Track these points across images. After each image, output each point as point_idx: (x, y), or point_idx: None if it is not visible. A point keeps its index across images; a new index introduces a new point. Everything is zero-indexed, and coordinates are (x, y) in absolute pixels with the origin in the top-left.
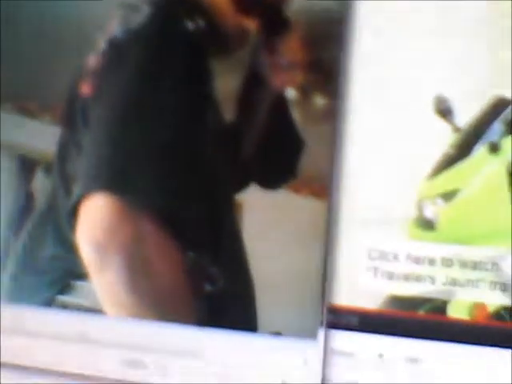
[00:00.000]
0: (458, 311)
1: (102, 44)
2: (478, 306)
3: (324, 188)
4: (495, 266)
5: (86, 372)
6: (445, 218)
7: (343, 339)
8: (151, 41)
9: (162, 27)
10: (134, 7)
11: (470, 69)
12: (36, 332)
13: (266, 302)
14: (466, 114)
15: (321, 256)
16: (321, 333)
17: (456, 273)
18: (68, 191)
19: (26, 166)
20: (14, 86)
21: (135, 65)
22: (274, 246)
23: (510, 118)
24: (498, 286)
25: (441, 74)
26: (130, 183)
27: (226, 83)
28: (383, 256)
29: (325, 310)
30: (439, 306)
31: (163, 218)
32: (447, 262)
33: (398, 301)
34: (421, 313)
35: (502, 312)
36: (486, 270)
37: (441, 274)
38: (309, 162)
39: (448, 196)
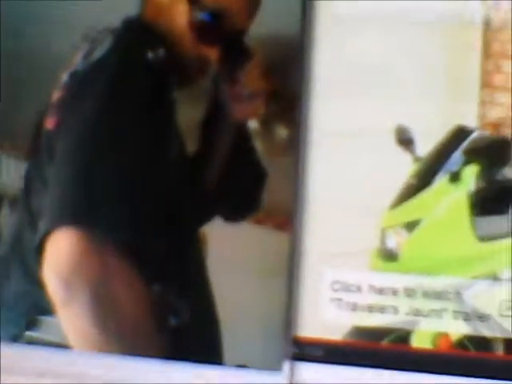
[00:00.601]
0: (421, 341)
1: (64, 77)
2: (442, 336)
3: (287, 220)
4: (458, 295)
5: None
6: (407, 248)
7: (308, 371)
8: (112, 72)
9: (123, 58)
10: (97, 40)
11: (431, 99)
12: (4, 368)
13: (230, 335)
14: (427, 144)
15: (285, 288)
16: (286, 365)
17: (419, 303)
18: (34, 226)
19: None
20: None
21: (96, 97)
22: (239, 278)
23: (470, 147)
24: (460, 316)
25: (401, 105)
26: (95, 218)
27: (188, 114)
28: (346, 288)
29: (290, 343)
30: (403, 336)
31: (128, 252)
32: (410, 293)
33: (362, 332)
34: (385, 343)
35: (465, 341)
36: (449, 299)
37: (404, 304)
38: (272, 194)
39: (410, 226)
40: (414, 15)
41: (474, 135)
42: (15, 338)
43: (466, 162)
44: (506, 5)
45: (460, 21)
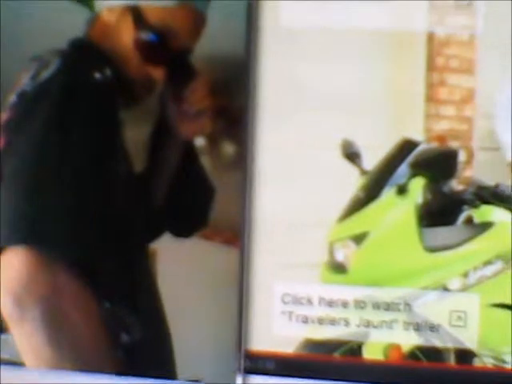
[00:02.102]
0: (373, 353)
1: (12, 98)
2: (393, 347)
3: (236, 235)
4: (408, 306)
5: None
6: (356, 260)
7: None
8: (59, 93)
9: (70, 79)
10: (44, 61)
11: (376, 112)
12: None
13: (183, 350)
14: (374, 157)
15: (235, 302)
16: (238, 378)
17: (369, 314)
18: None
19: None
20: None
21: (44, 117)
22: (189, 293)
23: (416, 159)
24: (411, 327)
25: (347, 118)
26: (45, 236)
27: (135, 133)
28: (297, 300)
29: (242, 356)
30: (354, 348)
31: (78, 269)
32: (360, 304)
33: (313, 344)
34: (337, 355)
35: (417, 352)
36: (399, 310)
37: (354, 316)
38: (220, 209)
39: (358, 239)
40: (359, 28)
41: (420, 148)
42: None
43: (413, 175)
44: (449, 18)
45: (405, 34)
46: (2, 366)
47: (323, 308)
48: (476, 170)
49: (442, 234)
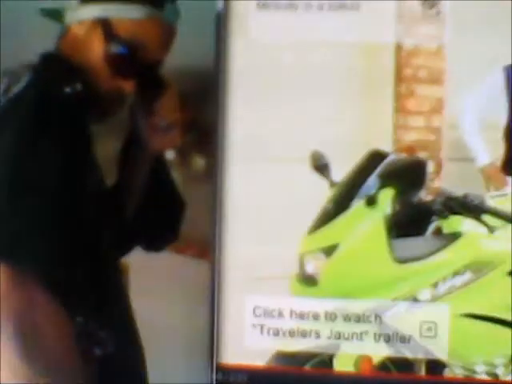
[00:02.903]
0: (344, 364)
1: None
2: (364, 359)
3: (207, 248)
4: (378, 318)
5: None
6: (326, 272)
7: None
8: (30, 107)
9: (41, 93)
10: (15, 74)
11: (345, 124)
12: None
13: (155, 363)
14: (343, 169)
15: (207, 315)
16: None
17: (340, 326)
18: None
19: None
20: None
21: (15, 131)
22: (161, 306)
23: (385, 170)
24: (381, 338)
25: (317, 130)
26: (17, 251)
27: (106, 146)
28: (268, 313)
29: (214, 369)
30: (325, 360)
31: (50, 284)
32: (331, 316)
33: (285, 357)
34: (308, 367)
35: (388, 363)
36: (370, 322)
37: (325, 328)
38: (191, 223)
39: (328, 250)
40: (328, 39)
41: (389, 159)
42: None
43: (382, 186)
44: (417, 29)
45: (372, 45)
46: None
47: (294, 320)
48: (444, 180)
49: (411, 244)
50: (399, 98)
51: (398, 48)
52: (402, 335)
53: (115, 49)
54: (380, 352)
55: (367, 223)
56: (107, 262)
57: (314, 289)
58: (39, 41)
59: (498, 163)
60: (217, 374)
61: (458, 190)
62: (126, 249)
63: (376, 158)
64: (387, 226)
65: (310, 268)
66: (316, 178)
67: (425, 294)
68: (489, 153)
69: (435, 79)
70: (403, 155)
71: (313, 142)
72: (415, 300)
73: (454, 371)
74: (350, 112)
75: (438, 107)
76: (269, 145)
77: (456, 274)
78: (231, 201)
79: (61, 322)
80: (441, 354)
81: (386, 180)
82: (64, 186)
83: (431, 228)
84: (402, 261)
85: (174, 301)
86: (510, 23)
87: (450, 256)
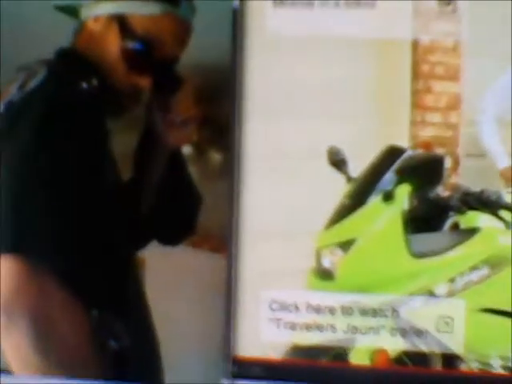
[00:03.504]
0: (359, 358)
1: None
2: (380, 352)
3: (223, 243)
4: (394, 312)
5: None
6: (343, 267)
7: None
8: (46, 102)
9: (57, 88)
10: (31, 70)
11: (362, 120)
12: None
13: (171, 356)
14: (360, 165)
15: (223, 309)
16: None
17: (356, 320)
18: None
19: None
20: None
21: (31, 127)
22: (177, 300)
23: (402, 166)
24: (398, 332)
25: (333, 126)
26: (34, 246)
27: (122, 142)
28: (284, 307)
29: (230, 362)
30: (341, 354)
31: (66, 278)
32: (347, 311)
33: (301, 350)
34: (324, 361)
35: (404, 357)
36: (386, 316)
37: (341, 322)
38: (207, 217)
39: (345, 245)
40: (344, 36)
41: (406, 155)
42: None
43: (399, 181)
44: (434, 26)
45: (389, 41)
46: None
47: (310, 314)
48: (462, 176)
49: (428, 240)
50: (416, 94)
51: (415, 44)
52: (418, 329)
53: (131, 45)
54: (396, 346)
55: (384, 218)
56: (123, 256)
57: (331, 283)
58: (55, 37)
59: None
60: (233, 366)
61: (475, 186)
62: (143, 243)
63: (393, 153)
64: (404, 222)
65: (326, 262)
66: (333, 173)
67: (441, 288)
68: (507, 155)
69: (452, 75)
70: (420, 151)
71: (330, 138)
72: (432, 295)
73: (470, 365)
74: (367, 108)
75: (454, 103)
76: (285, 140)
77: (473, 269)
78: (247, 195)
79: (76, 314)
80: (457, 348)
81: (403, 176)
82: (80, 180)
83: (448, 223)
84: (419, 256)
85: (190, 295)
86: None
87: (467, 251)
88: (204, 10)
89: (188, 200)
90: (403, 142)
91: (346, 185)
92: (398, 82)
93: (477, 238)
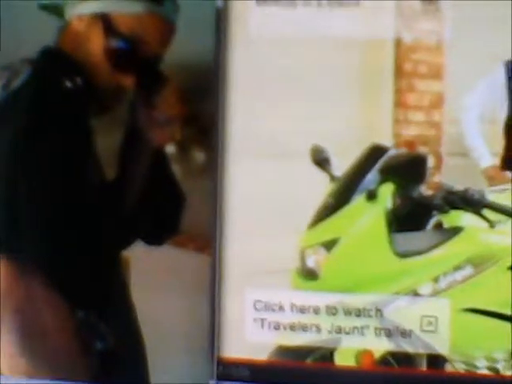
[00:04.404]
0: (345, 359)
1: None
2: (365, 353)
3: (208, 242)
4: (379, 312)
5: None
6: (327, 266)
7: None
8: (30, 101)
9: (41, 87)
10: (15, 69)
11: (345, 118)
12: None
13: (156, 357)
14: (343, 163)
15: (208, 309)
16: None
17: (341, 321)
18: None
19: None
20: None
21: (16, 126)
22: (162, 300)
23: (385, 165)
24: (382, 332)
25: (316, 124)
26: (19, 246)
27: (106, 140)
28: (269, 307)
29: (215, 363)
30: (326, 354)
31: (51, 278)
32: (332, 311)
33: (286, 351)
34: (309, 361)
35: (389, 358)
36: (370, 316)
37: (326, 322)
38: (191, 217)
39: (329, 245)
40: (327, 35)
41: (390, 153)
42: None
43: (382, 180)
44: (417, 25)
45: (372, 40)
46: None
47: (295, 314)
48: (445, 175)
49: (411, 239)
50: (399, 93)
51: (398, 43)
52: (402, 329)
53: (115, 44)
54: (381, 346)
55: (368, 218)
56: (108, 256)
57: (315, 283)
58: (39, 36)
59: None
60: (218, 367)
61: (458, 185)
62: (127, 242)
63: (376, 152)
64: (388, 221)
65: (310, 262)
66: (316, 172)
67: (425, 288)
68: (490, 154)
69: (435, 74)
70: (403, 150)
71: (313, 137)
72: (416, 294)
73: (455, 366)
74: (350, 107)
75: (437, 102)
76: (269, 139)
77: (457, 268)
78: (231, 195)
79: (62, 315)
80: (442, 349)
81: (387, 174)
82: (64, 179)
83: (432, 222)
84: (403, 255)
85: (174, 294)
86: (510, 19)
87: (451, 250)
88: (187, 9)
89: (171, 199)
90: (386, 140)
91: (330, 184)
92: (380, 80)
93: (460, 237)
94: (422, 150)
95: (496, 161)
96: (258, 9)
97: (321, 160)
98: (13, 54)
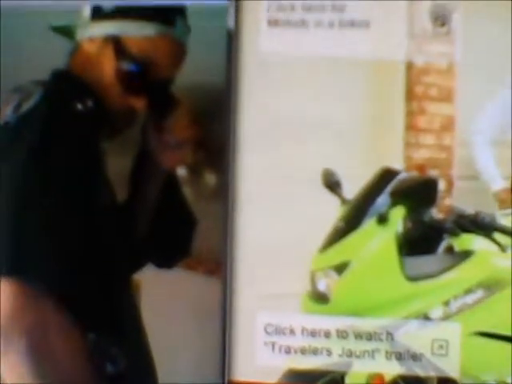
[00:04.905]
0: (355, 382)
1: None
2: (375, 376)
3: (219, 265)
4: (390, 335)
5: None
6: (338, 290)
7: None
8: (41, 124)
9: (52, 110)
10: (26, 92)
11: (356, 142)
12: None
13: (167, 380)
14: (354, 187)
15: (218, 332)
16: None
17: (352, 344)
18: None
19: None
20: None
21: (27, 148)
22: (173, 323)
23: (396, 188)
24: (393, 356)
25: (327, 148)
26: (30, 269)
27: (117, 163)
28: (279, 330)
29: None
30: (337, 378)
31: (63, 301)
32: (342, 334)
33: (296, 374)
34: None
35: (399, 381)
36: (381, 340)
37: (337, 346)
38: (202, 239)
39: (340, 268)
40: (339, 57)
41: (400, 177)
42: None
43: (393, 204)
44: (428, 47)
45: (383, 62)
46: None
47: (306, 338)
48: (456, 198)
49: (422, 262)
50: (410, 116)
51: (409, 66)
52: (413, 353)
53: (126, 66)
54: (392, 370)
55: (378, 241)
56: (119, 279)
57: (326, 306)
58: (50, 58)
59: (509, 184)
60: None
61: (469, 208)
62: (138, 265)
63: (387, 175)
64: (398, 244)
65: (321, 286)
66: (327, 195)
67: (436, 312)
68: (501, 177)
69: (446, 97)
70: (414, 173)
71: (324, 160)
72: (427, 318)
73: None
74: (361, 130)
75: (448, 125)
76: (280, 162)
77: (468, 292)
78: (242, 218)
79: (73, 338)
80: (452, 372)
81: (397, 198)
82: (75, 202)
83: (443, 246)
84: (414, 279)
85: (185, 317)
86: None
87: (462, 274)
88: (198, 31)
89: (183, 222)
90: (397, 164)
91: (341, 207)
92: (391, 103)
93: (471, 261)
94: (432, 173)
95: (507, 184)
96: (269, 30)
97: (332, 183)
98: (24, 76)
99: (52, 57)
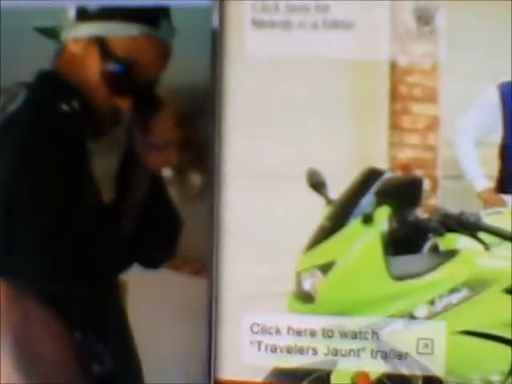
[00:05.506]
0: (341, 381)
1: None
2: (361, 375)
3: (204, 265)
4: (375, 334)
5: None
6: (323, 289)
7: None
8: (27, 125)
9: (37, 111)
10: (11, 93)
11: (340, 142)
12: None
13: (153, 379)
14: (339, 186)
15: (204, 332)
16: None
17: (337, 343)
18: None
19: None
20: None
21: (12, 150)
22: (159, 323)
23: (381, 188)
24: (378, 354)
25: (312, 148)
26: (16, 269)
27: (103, 164)
28: (265, 330)
29: None
30: (323, 377)
31: (49, 300)
32: (328, 333)
33: (282, 373)
34: None
35: (385, 380)
36: (367, 339)
37: (322, 345)
38: (188, 240)
39: (325, 268)
40: (323, 57)
41: (385, 176)
42: None
43: (378, 203)
44: (412, 47)
45: (367, 63)
46: None
47: (291, 337)
48: (440, 198)
49: (407, 262)
50: (394, 116)
51: (393, 66)
52: (398, 352)
53: (111, 67)
54: (377, 368)
55: (364, 241)
56: (105, 279)
57: (311, 306)
58: (35, 59)
59: (494, 185)
60: None
61: (453, 208)
62: (124, 265)
63: (372, 175)
64: (384, 244)
65: (306, 285)
66: (312, 195)
67: (421, 310)
68: (485, 177)
69: (430, 97)
70: (399, 173)
71: (309, 160)
72: (412, 317)
73: None
74: (346, 130)
75: (433, 125)
76: (265, 162)
77: (452, 291)
78: (228, 218)
79: (59, 337)
80: (438, 371)
81: (382, 198)
82: (61, 203)
83: (428, 245)
84: (399, 278)
85: (171, 317)
86: (504, 42)
87: (447, 273)
88: (183, 31)
89: (168, 222)
90: (382, 164)
91: (326, 207)
92: (376, 103)
93: (456, 260)
94: (417, 172)
95: (491, 183)
96: (253, 30)
97: (317, 183)
98: (9, 77)
99: (37, 58)
